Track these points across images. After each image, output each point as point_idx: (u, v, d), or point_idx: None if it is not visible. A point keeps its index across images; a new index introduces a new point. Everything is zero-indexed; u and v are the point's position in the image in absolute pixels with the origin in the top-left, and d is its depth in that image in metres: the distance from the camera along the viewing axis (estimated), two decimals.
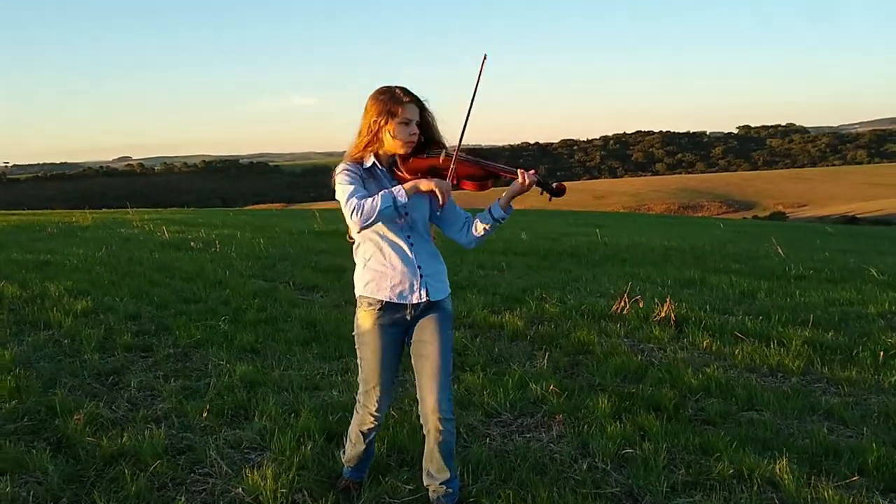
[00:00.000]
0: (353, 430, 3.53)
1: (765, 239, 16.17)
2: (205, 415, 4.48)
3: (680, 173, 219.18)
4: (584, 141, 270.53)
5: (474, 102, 3.04)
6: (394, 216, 3.08)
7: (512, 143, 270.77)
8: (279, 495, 3.51)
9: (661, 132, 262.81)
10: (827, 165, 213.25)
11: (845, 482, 3.72)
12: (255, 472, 3.70)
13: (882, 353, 5.83)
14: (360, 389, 3.41)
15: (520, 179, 3.11)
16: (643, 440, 4.21)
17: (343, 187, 3.05)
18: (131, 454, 3.95)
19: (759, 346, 6.09)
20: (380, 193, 2.99)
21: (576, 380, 5.31)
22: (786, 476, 3.73)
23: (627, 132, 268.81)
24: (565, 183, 3.21)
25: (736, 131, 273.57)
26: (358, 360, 3.37)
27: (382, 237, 3.22)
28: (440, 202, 3.10)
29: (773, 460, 3.91)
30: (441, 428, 3.22)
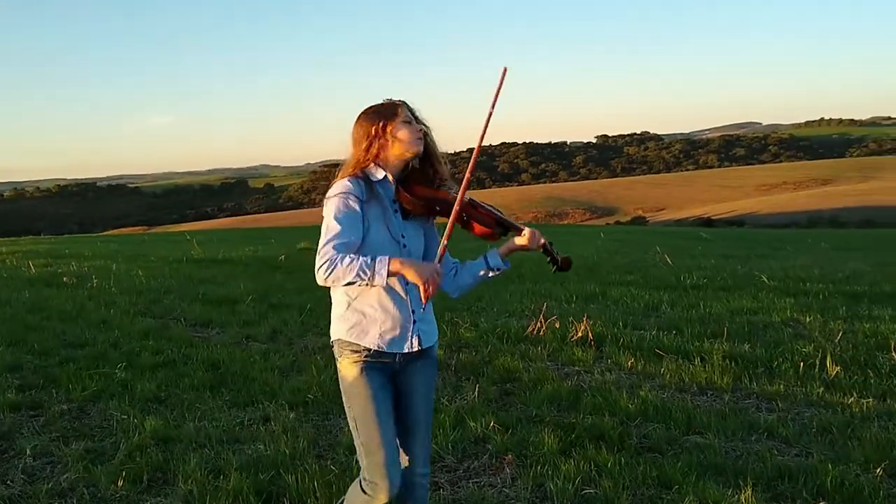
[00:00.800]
0: None
1: (647, 247, 16.52)
2: (120, 483, 4.00)
3: (544, 182, 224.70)
4: (451, 153, 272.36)
5: (491, 118, 2.69)
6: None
7: None
8: None
9: (524, 143, 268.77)
10: (681, 171, 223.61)
11: None
12: None
13: (801, 363, 5.90)
14: (364, 463, 2.79)
15: (527, 236, 2.82)
16: (600, 476, 4.02)
17: (330, 221, 2.65)
18: None
19: (683, 364, 6.05)
20: (359, 260, 2.57)
21: (511, 412, 5.10)
22: None
23: (493, 144, 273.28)
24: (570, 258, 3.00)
25: (595, 140, 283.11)
26: (350, 422, 2.82)
27: None
28: (423, 297, 2.65)
29: (736, 489, 3.80)
30: (420, 483, 2.94)
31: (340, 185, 2.71)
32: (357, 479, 2.85)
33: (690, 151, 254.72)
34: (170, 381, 5.89)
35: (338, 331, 2.83)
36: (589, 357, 6.31)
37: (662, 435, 4.60)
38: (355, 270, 2.56)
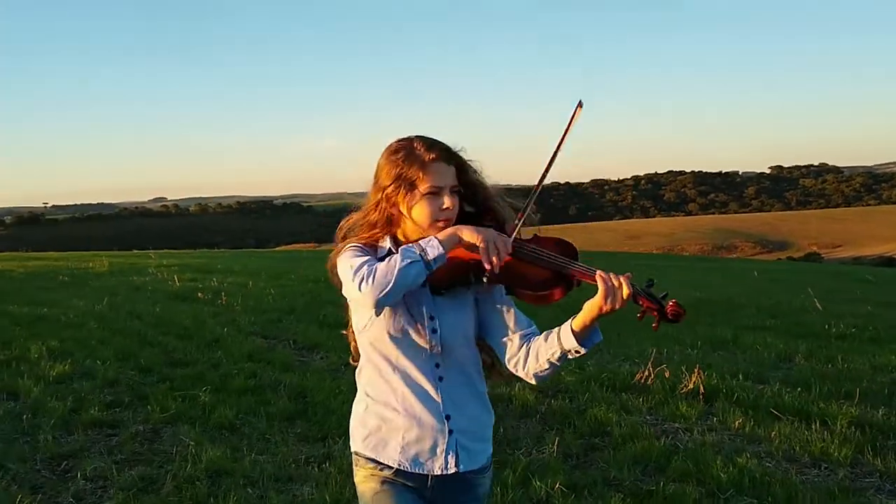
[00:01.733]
0: None
1: (801, 288, 15.33)
2: None
3: (713, 213, 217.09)
4: (615, 180, 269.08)
5: (555, 159, 2.16)
6: (418, 283, 1.98)
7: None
8: None
9: (693, 172, 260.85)
10: (862, 205, 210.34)
11: None
12: None
13: None
14: None
15: (602, 288, 1.96)
16: None
17: (347, 262, 2.04)
18: None
19: (798, 428, 5.37)
20: (399, 255, 1.97)
21: (588, 471, 4.65)
22: None
23: (659, 172, 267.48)
24: (680, 306, 2.01)
25: (768, 171, 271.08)
26: None
27: (394, 364, 2.14)
28: (487, 269, 2.00)
29: None
30: None
31: (348, 244, 2.16)
32: None
33: (873, 185, 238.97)
34: (250, 408, 5.81)
35: (354, 439, 2.24)
36: (694, 413, 5.72)
37: None
38: (398, 260, 1.95)
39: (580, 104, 2.15)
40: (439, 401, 2.14)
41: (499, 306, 2.21)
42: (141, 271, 17.39)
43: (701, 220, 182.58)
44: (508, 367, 2.21)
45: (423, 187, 2.09)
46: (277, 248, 77.74)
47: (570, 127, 2.16)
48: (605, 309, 1.97)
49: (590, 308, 2.00)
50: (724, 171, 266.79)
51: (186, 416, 5.57)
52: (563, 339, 2.07)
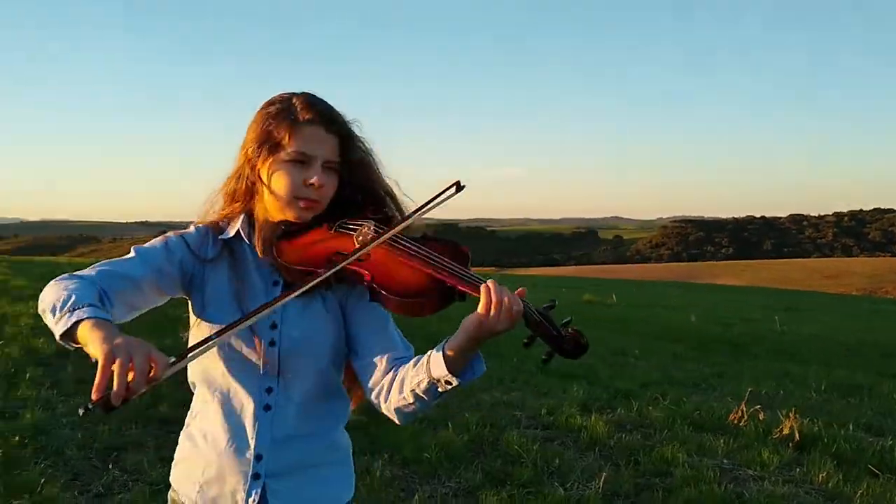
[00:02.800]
0: None
1: None
2: None
3: None
4: (815, 216, 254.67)
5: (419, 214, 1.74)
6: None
7: (736, 216, 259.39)
8: None
9: None
10: None
11: None
12: None
13: None
14: None
15: (483, 300, 1.50)
16: None
17: (128, 254, 1.71)
18: None
19: (892, 486, 4.73)
20: (75, 291, 1.47)
21: None
22: None
23: (864, 209, 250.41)
24: (581, 334, 1.54)
25: None
26: None
27: (214, 382, 1.73)
28: (95, 390, 1.28)
29: None
30: None
31: (192, 229, 1.82)
32: None
33: None
34: None
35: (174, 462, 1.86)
36: (776, 460, 5.16)
37: None
38: (53, 296, 1.48)
39: (458, 185, 1.70)
40: (252, 436, 1.69)
41: (370, 319, 1.74)
42: None
43: None
44: (370, 396, 1.71)
45: (287, 150, 1.69)
46: None
47: (438, 199, 1.73)
48: (485, 326, 1.49)
49: (467, 326, 1.51)
50: None
51: None
52: (432, 366, 1.55)
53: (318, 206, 1.73)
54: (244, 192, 1.77)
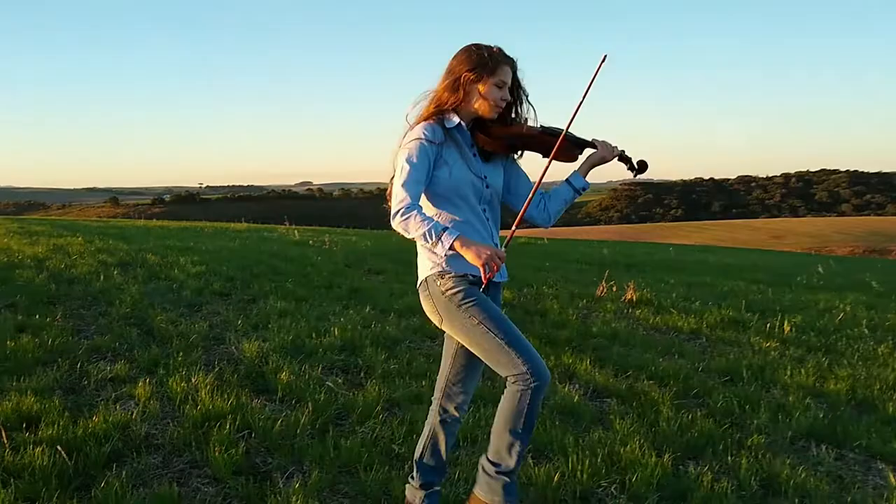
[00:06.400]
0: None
1: None
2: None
3: (868, 215, 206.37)
4: (763, 178, 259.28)
5: (583, 104, 2.75)
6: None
7: (685, 178, 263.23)
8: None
9: (848, 171, 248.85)
10: None
11: None
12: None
13: None
14: (508, 359, 2.69)
15: (601, 148, 2.94)
16: None
17: (405, 168, 2.68)
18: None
19: (681, 318, 7.72)
20: (431, 224, 2.58)
21: None
22: None
23: (811, 170, 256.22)
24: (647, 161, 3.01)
25: None
26: (475, 335, 2.75)
27: (459, 205, 2.84)
28: (483, 276, 2.63)
29: None
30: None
31: (417, 130, 2.76)
32: (503, 396, 2.77)
33: None
34: (319, 292, 8.60)
35: (427, 269, 2.87)
36: (614, 308, 8.13)
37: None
38: (422, 231, 2.57)
39: (604, 57, 2.70)
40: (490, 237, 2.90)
41: (519, 173, 3.06)
42: (272, 231, 20.76)
43: (854, 222, 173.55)
44: (528, 215, 2.94)
45: (496, 77, 2.77)
46: None
47: (594, 79, 2.71)
48: (604, 158, 2.96)
49: (591, 160, 2.97)
50: (883, 171, 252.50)
51: (275, 292, 8.41)
52: (574, 182, 3.00)
53: (501, 111, 2.88)
54: (454, 100, 2.82)
